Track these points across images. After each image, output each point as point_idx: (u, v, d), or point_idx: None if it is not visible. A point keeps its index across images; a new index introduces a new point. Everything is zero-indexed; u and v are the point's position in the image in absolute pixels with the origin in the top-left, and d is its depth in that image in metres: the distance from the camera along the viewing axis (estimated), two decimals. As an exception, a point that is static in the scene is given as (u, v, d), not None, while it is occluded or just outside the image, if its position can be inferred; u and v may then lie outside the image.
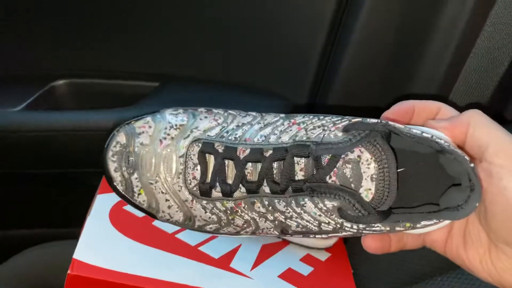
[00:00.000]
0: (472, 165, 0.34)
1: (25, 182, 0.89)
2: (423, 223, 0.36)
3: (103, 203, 0.58)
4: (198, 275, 0.52)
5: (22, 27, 0.83)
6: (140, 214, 0.58)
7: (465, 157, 0.35)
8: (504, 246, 0.35)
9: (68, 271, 0.47)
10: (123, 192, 0.44)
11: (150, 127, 0.43)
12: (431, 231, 0.39)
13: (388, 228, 0.37)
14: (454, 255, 0.40)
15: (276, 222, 0.40)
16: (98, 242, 0.52)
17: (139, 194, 0.43)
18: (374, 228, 0.37)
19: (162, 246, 0.54)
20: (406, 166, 0.38)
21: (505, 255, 0.35)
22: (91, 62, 0.87)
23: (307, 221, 0.39)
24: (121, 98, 0.84)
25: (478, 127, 0.36)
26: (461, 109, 0.39)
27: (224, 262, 0.56)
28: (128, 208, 0.59)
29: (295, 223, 0.39)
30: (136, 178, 0.43)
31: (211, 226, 0.43)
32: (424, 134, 0.36)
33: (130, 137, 0.43)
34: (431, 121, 0.39)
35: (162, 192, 0.42)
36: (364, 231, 0.38)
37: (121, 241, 0.53)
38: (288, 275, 0.58)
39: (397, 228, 0.37)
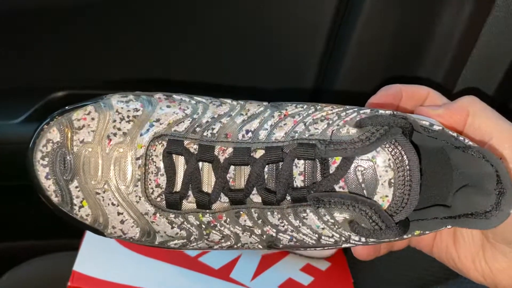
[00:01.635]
0: (503, 165, 0.30)
1: (24, 194, 0.88)
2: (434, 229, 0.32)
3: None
4: (198, 286, 0.52)
5: (20, 39, 0.83)
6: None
7: (495, 156, 0.30)
8: (503, 246, 0.33)
9: (68, 283, 0.47)
10: (58, 205, 0.34)
11: (92, 119, 0.34)
12: None
13: (397, 238, 0.32)
14: (443, 255, 0.38)
15: (264, 236, 0.33)
16: (98, 254, 0.52)
17: (80, 206, 0.34)
18: (382, 240, 0.32)
19: (161, 257, 0.54)
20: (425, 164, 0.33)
21: (503, 255, 0.33)
22: (90, 73, 0.87)
23: (304, 234, 0.32)
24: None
25: (479, 116, 0.33)
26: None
27: (224, 273, 0.55)
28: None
29: (288, 237, 0.33)
30: (76, 187, 0.33)
31: (176, 242, 0.34)
32: (444, 129, 0.31)
33: (67, 133, 0.34)
34: (423, 108, 0.35)
35: (113, 204, 0.33)
36: (370, 243, 0.33)
37: (121, 253, 0.53)
38: (288, 285, 0.58)
39: (405, 236, 0.32)
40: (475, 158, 0.30)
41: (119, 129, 0.33)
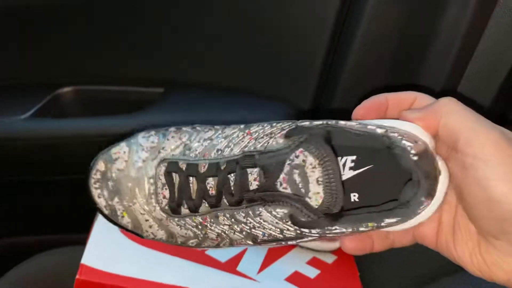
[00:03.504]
0: (415, 158, 0.33)
1: (32, 189, 0.89)
2: (386, 221, 0.35)
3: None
4: (205, 279, 0.53)
5: (27, 35, 0.83)
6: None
7: (409, 149, 0.34)
8: (491, 239, 0.34)
9: (77, 276, 0.48)
10: (108, 216, 0.45)
11: (124, 152, 0.45)
12: (420, 226, 0.38)
13: (350, 230, 0.36)
14: (445, 250, 0.38)
15: (244, 232, 0.40)
16: (106, 247, 0.52)
17: (122, 216, 0.44)
18: (335, 231, 0.37)
19: (169, 250, 0.54)
20: (365, 164, 0.37)
21: (494, 248, 0.34)
22: (96, 69, 0.87)
23: (269, 229, 0.38)
24: (127, 104, 0.85)
25: (450, 116, 0.34)
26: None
27: (230, 266, 0.56)
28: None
29: (261, 232, 0.39)
30: (118, 202, 0.44)
31: (191, 241, 0.43)
32: (369, 127, 0.35)
33: (108, 164, 0.45)
34: (404, 112, 0.37)
35: (141, 213, 0.44)
36: (327, 235, 0.37)
37: (129, 246, 0.54)
38: (295, 278, 0.58)
39: (361, 229, 0.36)
40: (401, 153, 0.34)
41: (139, 157, 0.44)
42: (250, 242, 0.41)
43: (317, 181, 0.36)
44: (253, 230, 0.39)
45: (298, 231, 0.37)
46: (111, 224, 0.54)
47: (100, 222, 0.56)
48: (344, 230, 0.36)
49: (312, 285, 0.58)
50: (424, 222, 0.37)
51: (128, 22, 0.82)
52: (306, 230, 0.37)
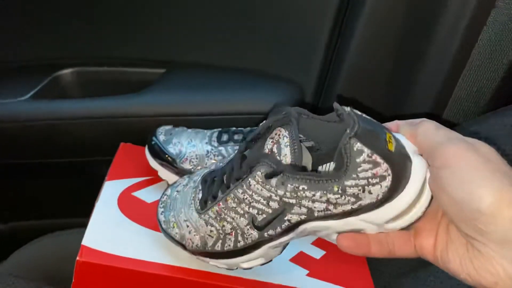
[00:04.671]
0: (347, 140, 0.38)
1: (33, 172, 0.89)
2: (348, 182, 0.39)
3: (111, 189, 0.58)
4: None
5: (26, 17, 0.82)
6: (149, 200, 0.58)
7: (347, 129, 0.38)
8: (475, 242, 0.35)
9: (77, 258, 0.47)
10: (165, 229, 0.50)
11: (184, 179, 0.54)
12: (418, 237, 0.41)
13: (318, 192, 0.40)
14: (440, 260, 0.39)
15: (246, 215, 0.44)
16: (107, 229, 0.52)
17: (173, 227, 0.50)
18: (301, 187, 0.40)
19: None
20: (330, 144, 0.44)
21: (479, 252, 0.35)
22: (96, 50, 0.87)
23: (257, 201, 0.43)
24: (127, 85, 0.84)
25: (422, 135, 0.39)
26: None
27: (234, 247, 0.55)
28: (137, 194, 0.59)
29: (256, 211, 0.43)
30: (173, 215, 0.50)
31: (215, 242, 0.47)
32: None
33: (171, 188, 0.54)
34: (401, 125, 0.42)
35: (184, 220, 0.49)
36: (297, 193, 0.41)
37: (130, 227, 0.53)
38: (300, 258, 0.57)
39: (330, 195, 0.40)
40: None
41: (190, 178, 0.53)
42: (252, 232, 0.45)
43: (285, 145, 0.42)
44: (250, 209, 0.43)
45: (278, 197, 0.41)
46: (112, 206, 0.56)
47: (101, 203, 0.55)
48: (306, 187, 0.40)
49: (317, 265, 0.57)
50: (422, 233, 0.41)
51: (128, 2, 0.81)
52: (281, 192, 0.41)
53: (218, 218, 0.46)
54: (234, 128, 0.62)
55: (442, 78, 0.69)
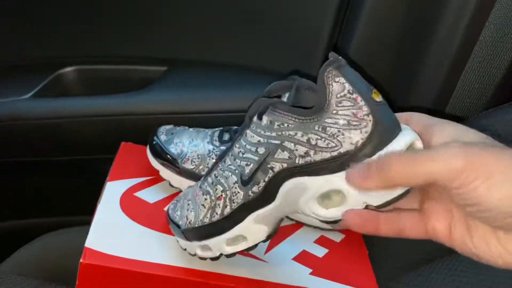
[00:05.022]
0: (329, 70, 0.37)
1: (35, 170, 0.89)
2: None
3: (113, 190, 0.58)
4: (212, 260, 0.52)
5: (28, 15, 0.82)
6: (151, 200, 0.58)
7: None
8: (507, 231, 0.34)
9: (81, 260, 0.47)
10: (170, 214, 0.51)
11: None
12: (430, 220, 0.39)
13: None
14: (460, 245, 0.38)
15: (237, 171, 0.44)
16: (109, 230, 0.52)
17: (177, 210, 0.51)
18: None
19: (174, 232, 0.54)
20: None
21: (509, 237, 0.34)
22: (98, 48, 0.87)
23: (248, 150, 0.43)
24: (129, 83, 0.84)
25: (412, 120, 0.39)
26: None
27: (236, 247, 0.55)
28: (139, 194, 0.59)
29: (245, 163, 0.43)
30: (181, 203, 0.52)
31: (206, 214, 0.47)
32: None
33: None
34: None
35: (188, 200, 0.50)
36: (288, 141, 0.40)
37: (133, 228, 0.53)
38: (302, 257, 0.57)
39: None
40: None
41: None
42: (240, 192, 0.44)
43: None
44: (242, 162, 0.44)
45: (262, 133, 0.42)
46: (114, 207, 0.56)
47: (103, 204, 0.55)
48: (290, 125, 0.40)
49: (321, 264, 0.57)
50: (432, 216, 0.38)
51: (130, 1, 0.81)
52: (265, 120, 0.42)
53: (214, 182, 0.46)
54: (235, 127, 0.62)
55: (443, 75, 0.69)
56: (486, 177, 0.31)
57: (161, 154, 0.61)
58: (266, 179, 0.42)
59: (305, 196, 0.40)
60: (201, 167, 0.59)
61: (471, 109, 0.73)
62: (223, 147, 0.59)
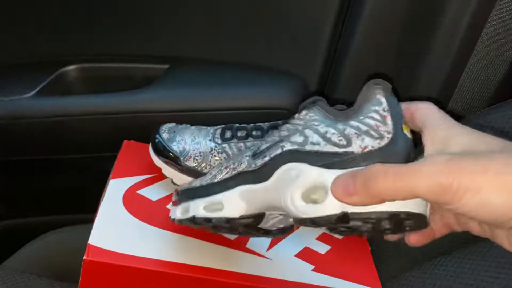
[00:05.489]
0: (373, 86, 0.40)
1: (38, 169, 0.89)
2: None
3: (116, 188, 0.58)
4: (215, 257, 0.52)
5: (31, 14, 0.82)
6: (154, 197, 0.58)
7: None
8: None
9: (84, 257, 0.47)
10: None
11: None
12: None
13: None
14: (490, 238, 0.38)
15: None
16: (113, 227, 0.52)
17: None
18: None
19: (177, 229, 0.54)
20: None
21: None
22: (100, 46, 0.87)
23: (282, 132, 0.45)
24: (132, 81, 0.84)
25: (417, 112, 0.40)
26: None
27: (240, 243, 0.55)
28: (142, 192, 0.59)
29: (266, 141, 0.46)
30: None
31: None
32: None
33: None
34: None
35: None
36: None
37: (136, 226, 0.53)
38: (305, 254, 0.57)
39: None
40: None
41: None
42: (245, 161, 0.46)
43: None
44: (264, 142, 0.46)
45: (297, 120, 0.44)
46: (117, 204, 0.56)
47: (106, 202, 0.55)
48: (318, 117, 0.43)
49: (323, 260, 0.58)
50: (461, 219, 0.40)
51: (131, 2, 0.81)
52: (305, 111, 0.45)
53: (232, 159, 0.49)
54: (237, 125, 0.62)
55: (446, 72, 0.69)
56: (476, 191, 0.31)
57: (163, 152, 0.61)
58: (273, 155, 0.43)
59: (294, 184, 0.40)
60: (203, 165, 0.59)
61: (473, 106, 0.73)
62: (225, 145, 0.59)
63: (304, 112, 0.44)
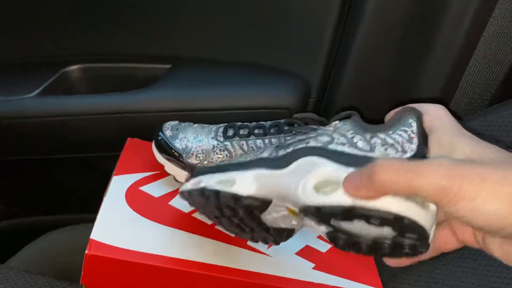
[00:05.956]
0: (409, 111, 0.42)
1: (42, 168, 0.89)
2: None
3: (119, 184, 0.58)
4: (216, 254, 0.52)
5: (33, 13, 0.83)
6: (156, 194, 0.58)
7: None
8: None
9: (86, 251, 0.48)
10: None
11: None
12: (459, 234, 0.40)
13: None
14: (485, 250, 0.38)
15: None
16: (115, 223, 0.52)
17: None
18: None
19: (179, 225, 0.54)
20: None
21: None
22: (103, 46, 0.87)
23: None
24: (134, 81, 0.84)
25: (426, 114, 0.41)
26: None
27: (241, 240, 0.55)
28: (144, 188, 0.59)
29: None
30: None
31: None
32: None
33: None
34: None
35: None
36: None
37: (138, 221, 0.53)
38: (306, 252, 0.58)
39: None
40: None
41: None
42: (268, 149, 0.48)
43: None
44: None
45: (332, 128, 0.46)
46: (120, 200, 0.56)
47: (109, 198, 0.56)
48: (349, 127, 0.44)
49: (324, 258, 0.58)
50: (457, 231, 0.40)
51: (134, 2, 0.81)
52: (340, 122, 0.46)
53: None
54: (239, 123, 0.62)
55: (447, 71, 0.69)
56: (472, 198, 0.32)
57: (166, 149, 0.61)
58: (296, 148, 0.44)
59: (309, 175, 0.41)
60: (205, 162, 0.59)
61: (475, 105, 0.73)
62: (227, 143, 0.60)
63: (336, 122, 0.46)
